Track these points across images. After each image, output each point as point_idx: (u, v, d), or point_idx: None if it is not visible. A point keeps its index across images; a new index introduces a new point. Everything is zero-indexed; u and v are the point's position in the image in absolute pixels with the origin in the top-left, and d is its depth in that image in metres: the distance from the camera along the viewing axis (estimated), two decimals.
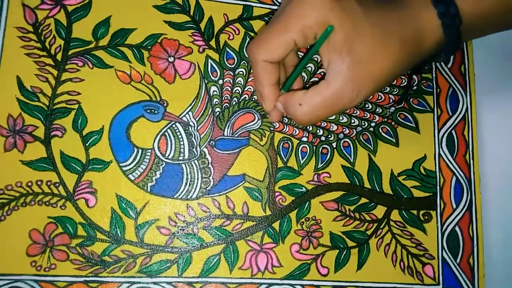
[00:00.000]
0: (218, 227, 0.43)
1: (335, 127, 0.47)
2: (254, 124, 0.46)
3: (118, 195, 0.42)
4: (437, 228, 0.47)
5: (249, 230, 0.44)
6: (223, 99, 0.46)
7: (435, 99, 0.50)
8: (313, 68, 0.48)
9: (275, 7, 0.48)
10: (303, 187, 0.46)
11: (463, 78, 0.51)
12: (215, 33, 0.47)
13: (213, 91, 0.45)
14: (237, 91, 0.46)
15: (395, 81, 0.49)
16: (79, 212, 0.41)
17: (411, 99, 0.49)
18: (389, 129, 0.48)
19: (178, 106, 0.45)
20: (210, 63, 0.46)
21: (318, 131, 0.47)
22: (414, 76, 0.50)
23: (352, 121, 0.48)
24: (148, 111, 0.44)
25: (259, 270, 0.44)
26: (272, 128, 0.46)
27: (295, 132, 0.46)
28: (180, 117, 0.44)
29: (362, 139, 0.48)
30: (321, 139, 0.47)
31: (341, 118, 0.48)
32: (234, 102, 0.46)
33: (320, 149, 0.47)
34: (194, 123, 0.45)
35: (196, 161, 0.44)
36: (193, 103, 0.45)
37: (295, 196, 0.45)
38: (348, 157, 0.47)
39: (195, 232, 0.43)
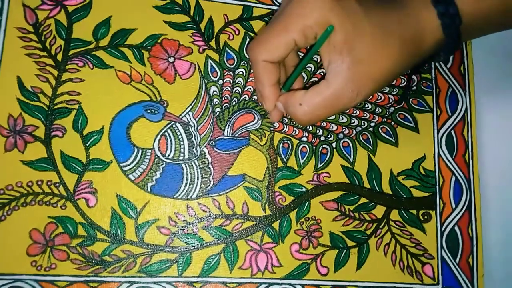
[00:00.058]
0: (218, 227, 0.44)
1: (334, 127, 0.47)
2: (254, 124, 0.46)
3: (118, 195, 0.42)
4: (436, 228, 0.47)
5: (249, 230, 0.44)
6: (223, 99, 0.46)
7: (435, 99, 0.50)
8: (313, 68, 0.48)
9: (275, 8, 0.48)
10: (303, 187, 0.46)
11: (462, 78, 0.51)
12: (215, 34, 0.47)
13: (213, 91, 0.46)
14: (237, 91, 0.46)
15: (395, 81, 0.49)
16: (79, 212, 0.41)
17: (410, 99, 0.49)
18: (388, 129, 0.48)
19: (178, 106, 0.45)
20: (210, 63, 0.46)
21: (317, 131, 0.47)
22: (414, 76, 0.50)
23: (352, 121, 0.48)
24: (148, 111, 0.44)
25: (259, 269, 0.44)
26: (272, 128, 0.46)
27: (295, 132, 0.46)
28: (180, 117, 0.44)
29: (361, 139, 0.48)
30: (321, 139, 0.47)
31: (340, 118, 0.48)
32: (234, 102, 0.46)
33: (320, 149, 0.47)
34: (194, 123, 0.45)
35: (196, 161, 0.44)
36: (193, 103, 0.45)
37: (295, 196, 0.45)
38: (348, 157, 0.47)
39: (195, 232, 0.43)
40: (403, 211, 0.47)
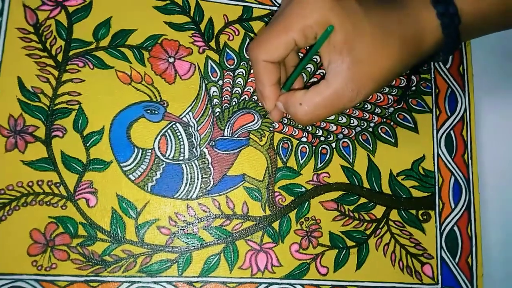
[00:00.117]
0: (218, 227, 0.44)
1: (334, 128, 0.48)
2: (254, 125, 0.46)
3: (119, 195, 0.42)
4: (435, 228, 0.48)
5: (249, 230, 0.44)
6: (223, 99, 0.46)
7: (434, 100, 0.50)
8: (313, 69, 0.48)
9: (274, 8, 0.48)
10: (302, 187, 0.46)
11: (461, 78, 0.51)
12: (215, 34, 0.47)
13: (213, 91, 0.46)
14: (237, 91, 0.46)
15: (394, 81, 0.50)
16: (79, 212, 0.42)
17: (410, 100, 0.49)
18: (388, 129, 0.48)
19: (178, 107, 0.45)
20: (210, 63, 0.46)
21: (317, 132, 0.47)
22: (413, 77, 0.50)
23: (351, 121, 0.48)
24: (149, 111, 0.44)
25: (259, 269, 0.44)
26: (271, 129, 0.46)
27: (295, 133, 0.47)
28: (180, 117, 0.45)
29: (361, 139, 0.48)
30: (321, 139, 0.47)
31: (340, 118, 0.48)
32: (234, 103, 0.46)
33: (320, 149, 0.47)
34: (194, 124, 0.45)
35: (196, 161, 0.44)
36: (193, 104, 0.45)
37: (295, 196, 0.46)
38: (348, 157, 0.47)
39: (195, 232, 0.43)
40: (402, 211, 0.47)
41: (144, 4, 0.46)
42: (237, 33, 0.47)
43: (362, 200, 0.47)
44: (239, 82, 0.46)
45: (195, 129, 0.45)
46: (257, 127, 0.46)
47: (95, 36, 0.44)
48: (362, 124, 0.48)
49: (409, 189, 0.48)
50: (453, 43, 0.37)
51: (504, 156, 0.51)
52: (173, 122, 0.44)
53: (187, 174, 0.44)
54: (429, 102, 0.50)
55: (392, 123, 0.49)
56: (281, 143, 0.46)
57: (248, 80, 0.46)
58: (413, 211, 0.47)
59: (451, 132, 0.49)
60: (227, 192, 0.44)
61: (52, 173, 0.42)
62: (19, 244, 0.40)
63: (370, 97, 0.49)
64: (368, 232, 0.46)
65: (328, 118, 0.47)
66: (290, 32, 0.35)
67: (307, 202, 0.46)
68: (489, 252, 0.49)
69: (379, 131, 0.48)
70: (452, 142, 0.49)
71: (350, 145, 0.47)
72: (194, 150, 0.44)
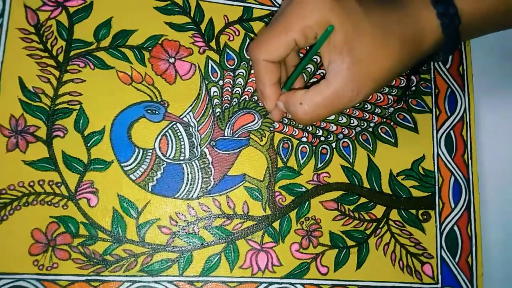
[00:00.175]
0: (218, 226, 0.44)
1: (334, 128, 0.48)
2: (254, 125, 0.46)
3: (120, 194, 0.43)
4: (435, 228, 0.48)
5: (250, 230, 0.44)
6: (224, 99, 0.46)
7: (434, 100, 0.50)
8: (313, 69, 0.48)
9: (274, 9, 0.48)
10: (303, 187, 0.46)
11: (461, 78, 0.51)
12: (215, 34, 0.47)
13: (214, 91, 0.46)
14: (237, 91, 0.46)
15: (394, 81, 0.50)
16: (81, 212, 0.42)
17: (409, 100, 0.50)
18: (388, 129, 0.49)
19: (179, 107, 0.45)
20: (211, 64, 0.46)
21: (317, 132, 0.47)
22: (413, 77, 0.50)
23: (351, 121, 0.48)
24: (149, 111, 0.44)
25: (259, 269, 0.44)
26: (272, 129, 0.46)
27: (295, 133, 0.47)
28: (181, 117, 0.45)
29: (361, 139, 0.48)
30: (321, 139, 0.47)
31: (340, 118, 0.48)
32: (235, 103, 0.46)
33: (320, 149, 0.47)
34: (194, 124, 0.45)
35: (196, 161, 0.44)
36: (194, 104, 0.45)
37: (295, 196, 0.46)
38: (348, 157, 0.47)
39: (195, 232, 0.43)
40: (402, 211, 0.47)
41: (144, 4, 0.46)
42: (237, 33, 0.47)
43: (362, 200, 0.47)
44: (239, 82, 0.46)
45: (196, 129, 0.45)
46: (258, 127, 0.46)
47: (96, 37, 0.44)
48: (362, 124, 0.48)
49: (409, 189, 0.48)
50: (453, 43, 0.37)
51: (504, 156, 0.51)
52: (174, 122, 0.44)
53: (188, 174, 0.44)
54: (429, 102, 0.50)
55: (392, 123, 0.49)
56: (282, 143, 0.46)
57: (249, 80, 0.47)
58: (413, 211, 0.48)
59: (451, 132, 0.50)
60: (227, 192, 0.45)
61: (53, 173, 0.42)
62: (20, 244, 0.40)
63: (370, 97, 0.49)
64: (368, 231, 0.46)
65: (328, 118, 0.48)
66: (290, 32, 0.35)
67: (308, 202, 0.46)
68: (489, 252, 0.49)
69: (379, 131, 0.48)
70: (452, 142, 0.49)
71: (350, 145, 0.48)
72: (194, 150, 0.44)
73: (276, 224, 0.45)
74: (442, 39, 0.37)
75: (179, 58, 0.46)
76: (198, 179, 0.44)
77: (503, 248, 0.50)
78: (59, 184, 0.42)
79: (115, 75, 0.44)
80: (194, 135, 0.45)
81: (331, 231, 0.46)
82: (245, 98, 0.46)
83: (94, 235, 0.41)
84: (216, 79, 0.46)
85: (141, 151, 0.43)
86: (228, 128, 0.46)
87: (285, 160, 0.46)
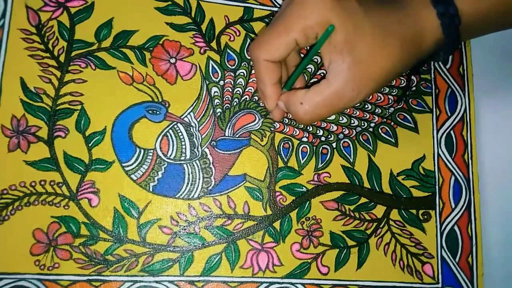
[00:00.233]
0: (219, 226, 0.44)
1: (335, 128, 0.48)
2: (255, 125, 0.46)
3: (121, 195, 0.43)
4: (436, 228, 0.48)
5: (250, 230, 0.44)
6: (224, 100, 0.46)
7: (434, 100, 0.50)
8: (313, 69, 0.48)
9: (275, 9, 0.49)
10: (303, 187, 0.46)
11: (461, 78, 0.51)
12: (216, 35, 0.47)
13: (214, 92, 0.46)
14: (238, 92, 0.46)
15: (394, 81, 0.50)
16: (82, 212, 0.42)
17: (410, 100, 0.50)
18: (388, 129, 0.49)
19: (180, 107, 0.45)
20: (211, 64, 0.46)
21: (318, 132, 0.47)
22: (413, 77, 0.50)
23: (352, 121, 0.48)
24: (150, 111, 0.44)
25: (260, 269, 0.44)
26: (272, 129, 0.46)
27: (296, 133, 0.47)
28: (182, 117, 0.45)
29: (361, 139, 0.48)
30: (321, 139, 0.47)
31: (340, 118, 0.48)
32: (235, 103, 0.46)
33: (320, 149, 0.47)
34: (195, 124, 0.45)
35: (197, 161, 0.44)
36: (195, 104, 0.45)
37: (296, 196, 0.46)
38: (348, 157, 0.47)
39: (196, 232, 0.43)
40: (403, 211, 0.47)
41: (145, 5, 0.46)
42: (238, 33, 0.47)
43: (363, 200, 0.47)
44: (240, 83, 0.47)
45: (197, 129, 0.45)
46: (258, 127, 0.46)
47: (97, 37, 0.45)
48: (362, 124, 0.48)
49: (410, 189, 0.48)
50: (453, 43, 0.38)
51: (504, 156, 0.52)
52: (175, 123, 0.45)
53: (189, 174, 0.44)
54: (429, 102, 0.50)
55: (392, 123, 0.49)
56: (282, 143, 0.46)
57: (249, 81, 0.47)
58: (414, 211, 0.48)
59: (451, 132, 0.50)
60: (228, 192, 0.45)
61: (55, 173, 0.42)
62: (22, 244, 0.40)
63: (371, 97, 0.49)
64: (368, 231, 0.46)
65: (328, 118, 0.48)
66: (291, 32, 0.35)
67: (308, 202, 0.46)
68: (489, 252, 0.49)
69: (380, 131, 0.48)
70: (452, 142, 0.49)
71: (351, 145, 0.48)
72: (195, 150, 0.45)
73: (276, 224, 0.45)
74: (442, 39, 0.37)
75: (180, 58, 0.46)
76: (199, 179, 0.44)
77: (504, 248, 0.50)
78: (60, 184, 0.42)
79: (116, 76, 0.44)
80: (195, 135, 0.45)
81: (332, 231, 0.46)
82: (246, 98, 0.46)
83: (95, 235, 0.42)
84: (217, 80, 0.46)
85: (142, 151, 0.43)
86: (228, 128, 0.46)
87: (285, 160, 0.46)
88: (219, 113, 0.46)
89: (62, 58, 0.44)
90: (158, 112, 0.44)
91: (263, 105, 0.46)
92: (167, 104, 0.45)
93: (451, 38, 0.37)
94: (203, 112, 0.45)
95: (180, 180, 0.44)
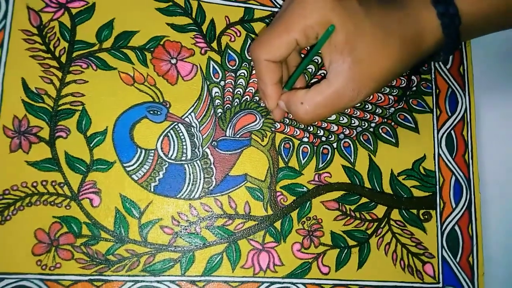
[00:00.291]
0: (220, 226, 0.44)
1: (335, 128, 0.48)
2: (255, 125, 0.46)
3: (122, 195, 0.43)
4: (436, 227, 0.48)
5: (251, 230, 0.44)
6: (225, 100, 0.46)
7: (434, 100, 0.50)
8: (313, 70, 0.48)
9: (275, 9, 0.49)
10: (304, 187, 0.46)
11: (462, 78, 0.51)
12: (216, 35, 0.47)
13: (215, 92, 0.46)
14: (239, 92, 0.46)
15: (395, 81, 0.50)
16: (83, 212, 0.42)
17: (410, 100, 0.50)
18: (389, 129, 0.49)
19: (181, 107, 0.45)
20: (212, 64, 0.46)
21: (318, 132, 0.47)
22: (413, 77, 0.50)
23: (352, 121, 0.48)
24: (151, 112, 0.44)
25: (261, 269, 0.44)
26: (273, 129, 0.46)
27: (296, 133, 0.47)
28: (183, 118, 0.45)
29: (362, 139, 0.48)
30: (322, 139, 0.47)
31: (341, 118, 0.48)
32: (236, 103, 0.46)
33: (321, 149, 0.47)
34: (196, 124, 0.45)
35: (198, 161, 0.45)
36: (195, 104, 0.45)
37: (296, 196, 0.46)
38: (349, 157, 0.48)
39: (197, 232, 0.43)
40: (403, 211, 0.47)
41: (146, 5, 0.46)
42: (238, 34, 0.48)
43: (364, 199, 0.47)
44: (240, 83, 0.47)
45: (197, 129, 0.45)
46: (259, 127, 0.46)
47: (98, 38, 0.45)
48: (363, 124, 0.48)
49: (410, 188, 0.48)
50: (453, 43, 0.38)
51: (505, 156, 0.52)
52: (176, 123, 0.45)
53: (190, 174, 0.44)
54: (429, 102, 0.50)
55: (393, 123, 0.49)
56: (283, 143, 0.46)
57: (250, 81, 0.47)
58: (414, 211, 0.48)
59: (452, 132, 0.50)
60: (229, 192, 0.45)
61: (56, 173, 0.42)
62: (23, 244, 0.41)
63: (371, 97, 0.49)
64: (369, 231, 0.46)
65: (329, 119, 0.48)
66: (291, 32, 0.35)
67: (309, 202, 0.46)
68: (490, 251, 0.49)
69: (380, 131, 0.49)
70: (452, 142, 0.50)
71: (351, 145, 0.48)
72: (196, 150, 0.45)
73: (277, 224, 0.45)
74: (443, 39, 0.37)
75: (181, 59, 0.46)
76: (200, 179, 0.44)
77: (504, 248, 0.50)
78: (62, 185, 0.42)
79: (117, 76, 0.44)
80: (196, 135, 0.45)
81: (333, 231, 0.46)
82: (247, 98, 0.47)
83: (97, 235, 0.42)
84: (218, 80, 0.46)
85: (143, 151, 0.44)
86: (229, 129, 0.46)
87: (286, 160, 0.46)
88: (220, 114, 0.46)
89: (63, 59, 0.44)
90: (159, 113, 0.44)
91: (263, 105, 0.46)
92: (168, 105, 0.45)
93: (451, 38, 0.37)
94: (204, 113, 0.45)
95: (181, 180, 0.44)
